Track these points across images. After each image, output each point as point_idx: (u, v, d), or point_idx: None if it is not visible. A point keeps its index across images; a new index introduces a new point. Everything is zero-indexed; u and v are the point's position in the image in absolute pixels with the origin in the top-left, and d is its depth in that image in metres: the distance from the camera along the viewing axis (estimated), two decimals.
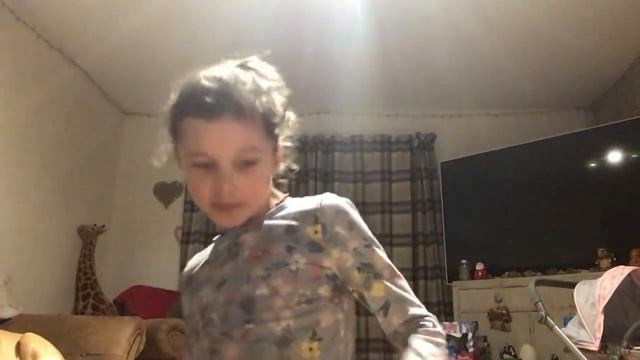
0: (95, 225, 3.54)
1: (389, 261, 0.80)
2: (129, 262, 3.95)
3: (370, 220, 3.98)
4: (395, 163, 4.10)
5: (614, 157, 3.32)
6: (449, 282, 3.61)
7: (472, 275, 3.48)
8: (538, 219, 3.41)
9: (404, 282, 0.81)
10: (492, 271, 3.45)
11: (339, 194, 0.84)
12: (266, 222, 0.80)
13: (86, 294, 3.32)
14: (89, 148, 3.71)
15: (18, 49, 2.91)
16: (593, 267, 3.03)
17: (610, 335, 1.67)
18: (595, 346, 1.67)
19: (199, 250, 4.00)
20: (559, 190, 3.41)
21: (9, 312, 2.39)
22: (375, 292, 0.78)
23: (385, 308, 0.77)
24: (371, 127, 4.18)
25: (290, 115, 0.85)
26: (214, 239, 0.90)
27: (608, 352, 1.64)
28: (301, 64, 3.42)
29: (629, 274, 1.77)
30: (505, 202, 3.60)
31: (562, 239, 3.31)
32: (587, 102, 4.07)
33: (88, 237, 3.50)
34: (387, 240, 3.93)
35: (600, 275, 1.84)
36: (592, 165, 3.40)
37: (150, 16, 2.88)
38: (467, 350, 2.92)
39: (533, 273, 3.26)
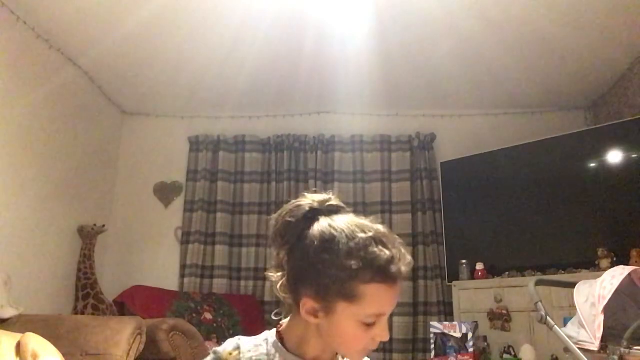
0: (95, 225, 3.55)
1: None
2: (129, 262, 3.95)
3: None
4: (395, 163, 4.11)
5: (614, 157, 3.32)
6: (449, 282, 3.61)
7: (472, 275, 3.48)
8: (538, 219, 3.41)
9: None
10: (492, 271, 3.45)
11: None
12: None
13: (86, 294, 3.32)
14: (89, 148, 3.71)
15: (18, 49, 2.91)
16: (593, 267, 3.03)
17: (610, 335, 1.67)
18: (595, 346, 1.67)
19: (199, 251, 4.01)
20: (559, 190, 3.41)
21: (9, 312, 2.39)
22: None
23: None
24: (371, 127, 4.18)
25: None
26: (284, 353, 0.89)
27: (608, 352, 1.64)
28: (301, 64, 3.43)
29: (629, 274, 1.77)
30: (505, 202, 3.60)
31: (562, 239, 3.31)
32: (587, 102, 4.07)
33: (88, 237, 3.50)
34: None
35: (600, 275, 1.84)
36: (592, 165, 3.40)
37: (150, 16, 2.88)
38: (467, 350, 2.92)
39: (533, 273, 3.26)
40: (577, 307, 1.80)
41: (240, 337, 0.90)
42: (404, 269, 0.80)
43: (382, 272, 0.78)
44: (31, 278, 2.99)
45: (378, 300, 0.78)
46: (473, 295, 3.38)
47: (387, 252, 0.79)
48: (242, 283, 3.91)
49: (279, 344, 0.87)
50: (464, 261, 3.51)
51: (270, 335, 0.90)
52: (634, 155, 3.20)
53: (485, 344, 3.11)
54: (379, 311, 0.79)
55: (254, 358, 0.86)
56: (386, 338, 0.80)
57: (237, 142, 4.22)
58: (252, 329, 2.39)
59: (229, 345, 0.88)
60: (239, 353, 0.86)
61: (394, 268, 0.78)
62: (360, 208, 4.00)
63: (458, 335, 2.96)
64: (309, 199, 0.87)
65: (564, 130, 3.57)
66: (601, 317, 1.67)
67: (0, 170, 2.78)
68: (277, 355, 0.85)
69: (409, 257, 0.82)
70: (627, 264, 2.67)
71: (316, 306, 0.80)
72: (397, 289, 0.80)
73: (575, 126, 3.84)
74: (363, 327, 0.79)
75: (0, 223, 2.76)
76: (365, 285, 0.77)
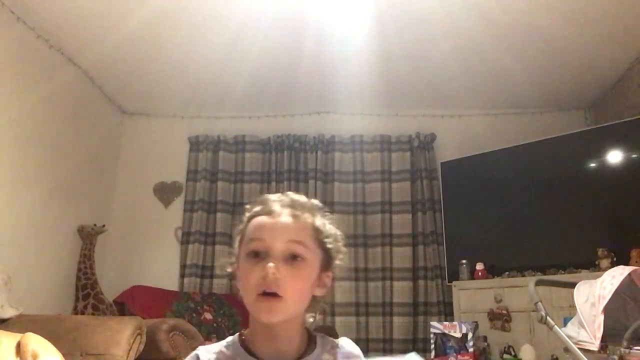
0: (95, 225, 3.55)
1: None
2: (129, 262, 3.95)
3: (370, 221, 3.99)
4: (395, 163, 4.11)
5: (614, 157, 3.32)
6: (449, 282, 3.61)
7: (472, 275, 3.48)
8: (538, 219, 3.42)
9: None
10: (492, 271, 3.45)
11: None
12: None
13: (86, 294, 3.32)
14: (89, 148, 3.71)
15: (18, 49, 2.91)
16: (593, 267, 3.03)
17: (610, 335, 1.67)
18: (595, 346, 1.67)
19: (199, 251, 4.02)
20: (558, 190, 3.41)
21: (9, 312, 2.39)
22: None
23: None
24: (371, 127, 4.18)
25: (341, 249, 0.94)
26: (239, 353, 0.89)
27: (608, 352, 1.64)
28: (301, 64, 3.43)
29: (629, 274, 1.77)
30: (505, 202, 3.60)
31: (562, 239, 3.31)
32: (587, 102, 4.07)
33: (88, 237, 3.50)
34: (387, 240, 3.93)
35: (600, 275, 1.84)
36: (592, 165, 3.40)
37: (150, 16, 2.88)
38: (467, 350, 2.92)
39: (533, 273, 3.26)
40: (577, 307, 1.80)
41: (200, 347, 0.90)
42: (289, 206, 0.88)
43: (263, 209, 0.89)
44: (31, 278, 2.99)
45: (257, 226, 0.87)
46: (473, 295, 3.38)
47: (274, 197, 0.91)
48: None
49: (238, 345, 0.88)
50: (464, 261, 3.51)
51: (234, 338, 0.91)
52: (634, 155, 3.20)
53: (485, 344, 3.11)
54: (257, 235, 0.85)
55: None
56: (267, 273, 0.81)
57: (237, 142, 4.22)
58: None
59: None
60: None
61: (276, 206, 0.88)
62: (360, 208, 4.01)
63: (458, 335, 2.96)
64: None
65: (564, 130, 3.57)
66: (601, 317, 1.67)
67: (1, 170, 2.78)
68: (238, 357, 0.86)
69: (304, 207, 0.89)
70: (627, 264, 2.67)
71: (236, 270, 0.90)
72: (274, 220, 0.86)
73: (575, 126, 3.84)
74: (251, 260, 0.84)
75: (1, 223, 2.76)
76: (250, 223, 0.89)
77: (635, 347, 1.58)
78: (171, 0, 2.76)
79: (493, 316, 3.22)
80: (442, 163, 3.95)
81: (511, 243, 3.50)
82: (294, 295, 0.83)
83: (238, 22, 2.94)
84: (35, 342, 1.88)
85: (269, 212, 0.88)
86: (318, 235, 0.89)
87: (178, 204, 4.13)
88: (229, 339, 0.91)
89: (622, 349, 1.58)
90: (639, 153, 3.18)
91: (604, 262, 2.96)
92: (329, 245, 0.91)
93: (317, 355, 0.89)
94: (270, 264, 0.82)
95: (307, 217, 0.89)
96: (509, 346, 3.05)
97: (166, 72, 3.56)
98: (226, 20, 2.93)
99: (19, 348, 1.86)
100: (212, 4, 2.79)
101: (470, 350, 2.91)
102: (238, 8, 2.82)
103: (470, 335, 2.93)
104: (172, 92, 3.91)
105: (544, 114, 4.11)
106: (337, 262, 0.94)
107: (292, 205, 0.89)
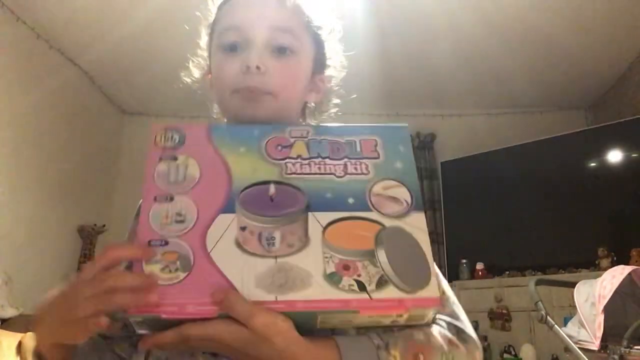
0: (95, 225, 3.54)
1: None
2: None
3: None
4: None
5: (614, 157, 3.32)
6: (449, 281, 3.59)
7: (472, 274, 3.48)
8: (538, 219, 3.41)
9: None
10: (492, 271, 3.45)
11: None
12: None
13: None
14: (89, 148, 3.71)
15: (18, 49, 2.91)
16: (593, 266, 3.03)
17: (611, 335, 1.67)
18: (595, 345, 1.67)
19: None
20: (559, 190, 3.41)
21: (9, 312, 2.39)
22: None
23: None
24: None
25: (338, 47, 0.78)
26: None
27: (608, 351, 1.64)
28: None
29: (629, 274, 1.77)
30: (505, 202, 3.60)
31: (562, 238, 3.31)
32: (587, 102, 4.07)
33: (88, 237, 3.50)
34: None
35: (600, 275, 1.84)
36: (592, 165, 3.40)
37: (150, 16, 2.87)
38: None
39: (533, 273, 3.26)
40: (578, 307, 1.81)
41: None
42: None
43: None
44: (31, 278, 2.99)
45: (228, 13, 0.70)
46: (473, 295, 3.38)
47: None
48: None
49: None
50: (464, 261, 3.51)
51: None
52: (634, 155, 3.20)
53: (486, 343, 3.11)
54: (230, 22, 0.68)
55: None
56: (250, 64, 0.64)
57: None
58: None
59: None
60: None
61: None
62: None
63: None
64: None
65: (564, 130, 3.57)
66: (601, 317, 1.68)
67: (1, 170, 2.78)
68: None
69: None
70: (627, 263, 2.67)
71: (206, 75, 0.76)
72: (253, 1, 0.68)
73: (575, 126, 3.84)
74: (223, 54, 0.68)
75: (1, 223, 2.76)
76: (220, 11, 0.72)
77: (636, 347, 1.58)
78: (171, 0, 2.76)
79: (493, 316, 3.22)
80: (442, 163, 3.95)
81: (511, 243, 3.50)
82: (282, 91, 0.66)
83: None
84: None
85: None
86: (310, 25, 0.71)
87: None
88: None
89: (622, 349, 1.58)
90: (639, 153, 3.18)
91: (604, 262, 2.96)
92: (323, 38, 0.74)
93: None
94: (253, 54, 0.65)
95: (296, 3, 0.69)
96: (509, 346, 3.05)
97: (166, 72, 3.55)
98: None
99: (19, 348, 1.87)
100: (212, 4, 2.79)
101: None
102: None
103: None
104: (172, 92, 3.89)
105: (544, 114, 4.11)
106: (332, 62, 0.77)
107: None
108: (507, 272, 3.38)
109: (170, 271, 0.48)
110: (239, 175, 0.54)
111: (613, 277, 1.76)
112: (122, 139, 4.25)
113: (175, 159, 0.56)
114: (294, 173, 0.55)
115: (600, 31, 3.06)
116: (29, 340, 2.11)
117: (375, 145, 0.58)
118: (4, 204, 2.79)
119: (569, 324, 1.91)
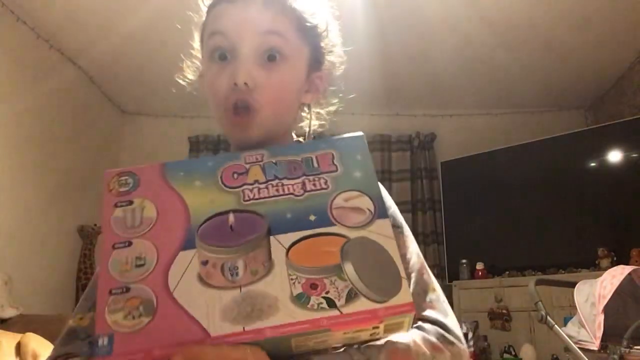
0: (95, 225, 3.55)
1: None
2: None
3: None
4: (396, 163, 4.11)
5: (614, 157, 3.32)
6: (449, 281, 3.61)
7: (472, 274, 3.48)
8: (538, 219, 3.41)
9: None
10: (492, 271, 3.45)
11: None
12: None
13: None
14: (89, 148, 3.71)
15: (18, 49, 2.91)
16: (593, 266, 3.04)
17: (611, 335, 1.67)
18: (595, 345, 1.67)
19: None
20: (559, 190, 3.41)
21: (9, 312, 2.39)
22: None
23: None
24: (371, 126, 4.18)
25: (336, 39, 0.74)
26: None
27: (608, 351, 1.64)
28: None
29: (629, 274, 1.77)
30: (505, 202, 3.60)
31: (562, 238, 3.31)
32: (587, 102, 4.07)
33: (88, 237, 3.50)
34: None
35: (600, 275, 1.84)
36: (592, 165, 3.40)
37: (150, 16, 2.87)
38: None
39: (533, 273, 3.26)
40: (578, 307, 1.81)
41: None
42: None
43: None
44: (31, 278, 2.99)
45: (214, 18, 0.67)
46: (473, 295, 3.38)
47: None
48: None
49: None
50: (464, 261, 3.51)
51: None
52: (634, 155, 3.20)
53: (486, 343, 3.11)
54: (215, 27, 0.66)
55: None
56: (238, 75, 0.62)
57: None
58: None
59: None
60: None
61: None
62: None
63: None
64: None
65: (564, 130, 3.57)
66: (601, 317, 1.68)
67: (1, 170, 2.78)
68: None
69: None
70: (627, 263, 2.67)
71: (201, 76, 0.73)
72: (240, 4, 0.65)
73: (575, 126, 3.84)
74: (216, 64, 0.66)
75: (1, 223, 2.76)
76: (209, 14, 0.69)
77: (636, 347, 1.58)
78: (171, 0, 2.76)
79: (493, 316, 3.22)
80: (442, 163, 3.95)
81: (511, 243, 3.50)
82: (274, 105, 0.65)
83: None
84: (36, 342, 1.89)
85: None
86: (302, 22, 0.68)
87: None
88: None
89: (623, 349, 1.58)
90: (639, 153, 3.18)
91: (604, 262, 2.97)
92: (317, 37, 0.70)
93: None
94: (240, 70, 0.63)
95: (284, 3, 0.66)
96: (509, 346, 3.05)
97: (166, 72, 3.55)
98: None
99: (19, 348, 1.87)
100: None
101: (471, 349, 2.91)
102: None
103: (470, 335, 2.94)
104: (172, 92, 3.89)
105: (544, 114, 4.11)
106: (330, 57, 0.74)
107: None
108: (507, 272, 3.38)
109: (133, 317, 0.47)
110: (197, 209, 0.53)
111: (613, 277, 1.76)
112: (122, 139, 4.25)
113: (131, 203, 0.54)
114: (252, 199, 0.53)
115: (600, 31, 3.06)
116: (29, 340, 2.11)
117: (332, 159, 0.57)
118: (4, 204, 2.79)
119: (569, 324, 1.91)
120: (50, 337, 1.98)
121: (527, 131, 3.83)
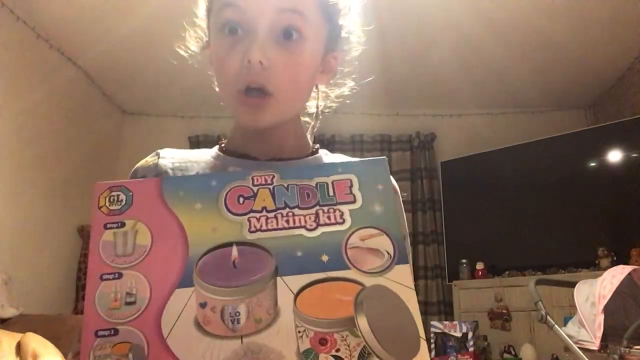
0: None
1: None
2: None
3: None
4: (396, 163, 4.11)
5: (614, 157, 3.32)
6: (449, 281, 3.61)
7: (472, 274, 3.48)
8: (538, 219, 3.42)
9: None
10: (492, 271, 3.45)
11: None
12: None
13: None
14: (89, 148, 3.71)
15: (18, 49, 2.91)
16: (593, 266, 3.04)
17: (611, 335, 1.67)
18: (595, 345, 1.67)
19: None
20: (559, 190, 3.41)
21: (9, 312, 2.39)
22: None
23: None
24: (371, 126, 4.18)
25: (357, 18, 0.69)
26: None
27: (608, 351, 1.64)
28: None
29: (629, 274, 1.77)
30: (505, 202, 3.60)
31: (562, 238, 3.32)
32: (587, 102, 4.07)
33: (88, 237, 3.48)
34: None
35: (600, 275, 1.85)
36: (592, 165, 3.40)
37: (150, 16, 2.87)
38: (467, 349, 2.93)
39: (533, 272, 3.26)
40: (578, 307, 1.81)
41: (165, 149, 0.74)
42: None
43: None
44: (31, 278, 2.99)
45: None
46: (473, 295, 3.38)
47: None
48: None
49: (218, 152, 0.72)
50: (464, 261, 3.51)
51: (214, 148, 0.74)
52: (634, 155, 3.20)
53: (486, 343, 3.11)
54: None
55: (176, 164, 0.70)
56: (252, 55, 0.57)
57: None
58: None
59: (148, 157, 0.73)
60: (157, 158, 0.71)
61: None
62: None
63: (458, 334, 2.97)
64: None
65: (564, 130, 3.58)
66: (601, 317, 1.68)
67: (1, 170, 2.78)
68: (216, 162, 0.70)
69: None
70: (627, 263, 2.67)
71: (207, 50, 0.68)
72: None
73: (575, 126, 3.84)
74: (227, 39, 0.60)
75: (1, 223, 2.76)
76: None
77: (636, 347, 1.58)
78: (171, 0, 2.76)
79: (493, 315, 3.22)
80: (442, 163, 3.96)
81: (511, 242, 3.50)
82: (289, 90, 0.61)
83: None
84: (36, 342, 1.89)
85: None
86: (326, 2, 0.63)
87: None
88: (204, 149, 0.74)
89: (623, 348, 1.59)
90: (639, 153, 3.18)
91: (604, 262, 2.97)
92: (337, 14, 0.67)
93: (322, 157, 0.70)
94: (254, 47, 0.58)
95: None
96: (509, 345, 3.06)
97: (166, 72, 3.55)
98: None
99: (19, 348, 1.87)
100: None
101: (471, 349, 2.91)
102: None
103: (470, 335, 2.94)
104: (172, 92, 3.91)
105: (544, 114, 4.11)
106: (348, 36, 0.70)
107: None
108: (507, 272, 3.38)
109: None
110: (196, 237, 0.47)
111: (613, 277, 1.77)
112: (122, 139, 4.25)
113: (123, 225, 0.49)
114: (259, 230, 0.48)
115: (600, 31, 3.06)
116: (29, 340, 2.11)
117: (350, 187, 0.51)
118: (4, 204, 2.79)
119: (569, 324, 1.91)
120: (50, 337, 1.98)
121: (527, 131, 3.83)
